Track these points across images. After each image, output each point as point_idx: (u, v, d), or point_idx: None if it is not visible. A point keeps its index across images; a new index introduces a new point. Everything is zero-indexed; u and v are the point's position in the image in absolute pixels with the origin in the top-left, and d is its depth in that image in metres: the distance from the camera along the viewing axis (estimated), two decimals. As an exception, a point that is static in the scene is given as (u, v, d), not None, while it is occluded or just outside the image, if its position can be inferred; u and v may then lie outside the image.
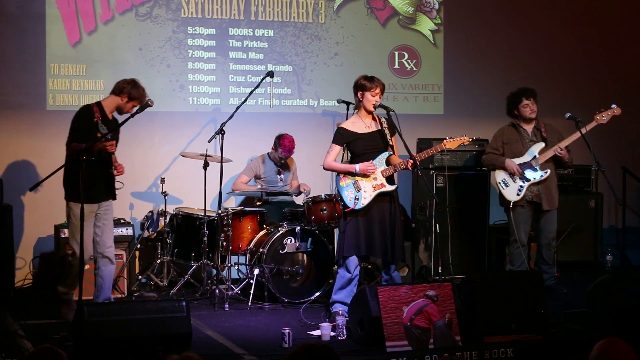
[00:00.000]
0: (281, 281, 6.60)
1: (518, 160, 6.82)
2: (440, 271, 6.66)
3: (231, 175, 7.55)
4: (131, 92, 5.90)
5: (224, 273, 6.66)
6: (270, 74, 7.22)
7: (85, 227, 5.53)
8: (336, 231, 6.75)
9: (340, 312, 5.78)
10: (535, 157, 6.80)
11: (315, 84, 8.12)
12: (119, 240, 6.91)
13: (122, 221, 7.12)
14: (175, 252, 6.94)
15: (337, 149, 5.98)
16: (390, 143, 5.94)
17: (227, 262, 6.70)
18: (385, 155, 5.92)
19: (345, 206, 5.86)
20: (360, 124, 5.97)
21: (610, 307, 5.66)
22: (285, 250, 6.64)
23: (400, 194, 6.22)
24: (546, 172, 6.77)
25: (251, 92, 7.07)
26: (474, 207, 7.70)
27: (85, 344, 4.62)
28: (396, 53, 8.42)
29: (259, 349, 5.17)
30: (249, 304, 6.40)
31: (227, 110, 7.39)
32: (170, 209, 7.06)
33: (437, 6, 8.54)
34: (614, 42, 9.16)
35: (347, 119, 6.46)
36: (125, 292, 6.75)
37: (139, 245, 7.11)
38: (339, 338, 5.37)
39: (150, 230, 6.96)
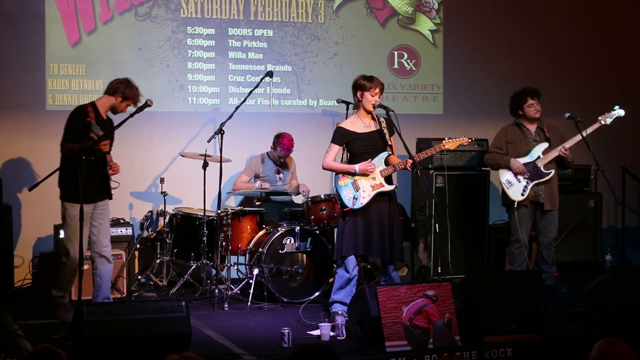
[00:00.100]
0: (280, 281, 6.60)
1: (522, 160, 6.82)
2: (439, 271, 6.65)
3: (230, 175, 7.55)
4: (125, 92, 5.90)
5: (224, 273, 6.66)
6: (270, 74, 7.22)
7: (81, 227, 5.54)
8: (336, 231, 6.74)
9: (340, 312, 5.78)
10: (539, 157, 6.80)
11: (315, 84, 8.12)
12: (118, 240, 6.93)
13: (122, 221, 7.12)
14: (175, 252, 6.94)
15: (336, 148, 5.98)
16: (389, 143, 5.93)
17: (226, 262, 6.70)
18: (384, 155, 5.92)
19: (343, 206, 5.86)
20: (360, 124, 5.96)
21: (610, 307, 5.66)
22: (284, 250, 6.64)
23: (399, 194, 6.22)
24: (550, 173, 6.77)
25: (250, 92, 7.08)
26: (474, 207, 7.70)
27: (85, 344, 4.62)
28: (395, 53, 8.42)
29: (258, 349, 5.17)
30: (249, 303, 6.40)
31: (226, 110, 7.39)
32: (170, 209, 7.06)
33: (436, 6, 8.54)
34: (614, 42, 9.16)
35: (346, 119, 6.45)
36: (125, 292, 6.75)
37: (138, 245, 7.11)
38: (339, 338, 5.37)
39: (149, 230, 6.96)
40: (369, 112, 5.96)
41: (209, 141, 6.67)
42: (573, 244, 8.04)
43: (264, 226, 6.92)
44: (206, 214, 6.70)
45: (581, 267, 8.02)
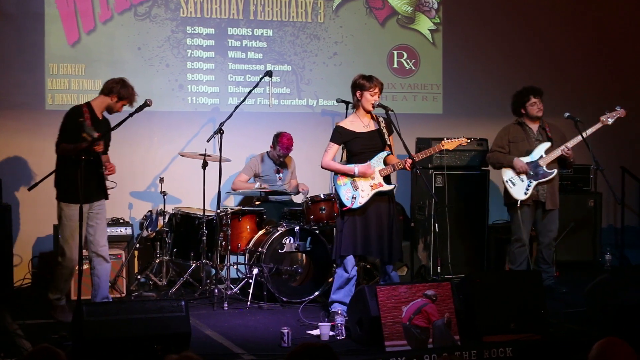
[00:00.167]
0: (280, 281, 6.59)
1: (525, 159, 6.81)
2: (439, 271, 6.65)
3: (230, 174, 7.55)
4: (120, 92, 5.91)
5: (223, 273, 6.66)
6: (269, 74, 7.22)
7: (77, 227, 5.55)
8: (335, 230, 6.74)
9: (339, 312, 5.78)
10: (542, 156, 6.79)
11: (314, 84, 8.12)
12: (118, 240, 6.94)
13: (121, 221, 7.12)
14: (174, 252, 6.94)
15: (335, 147, 5.96)
16: (388, 143, 5.93)
17: (226, 262, 6.70)
18: (383, 154, 5.91)
19: (342, 205, 5.85)
20: (359, 123, 5.96)
21: (609, 306, 5.66)
22: (284, 250, 6.63)
23: (399, 194, 6.23)
24: (553, 172, 6.77)
25: (250, 92, 7.08)
26: (473, 206, 7.70)
27: (85, 344, 4.62)
28: (395, 52, 8.42)
29: (258, 349, 5.17)
30: (248, 303, 6.40)
31: (226, 109, 7.38)
32: (169, 209, 7.06)
33: (436, 6, 8.54)
34: (613, 42, 9.16)
35: (345, 118, 6.45)
36: (124, 291, 6.75)
37: (137, 245, 7.12)
38: (338, 337, 5.37)
39: (149, 229, 6.96)
40: (368, 112, 5.95)
41: (208, 141, 6.67)
42: (573, 243, 8.04)
43: (263, 226, 6.92)
44: (206, 214, 6.70)
45: (581, 267, 8.02)
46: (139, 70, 7.44)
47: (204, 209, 6.67)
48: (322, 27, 8.15)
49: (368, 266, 7.02)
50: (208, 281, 6.81)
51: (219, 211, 6.63)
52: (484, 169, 7.75)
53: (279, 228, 6.67)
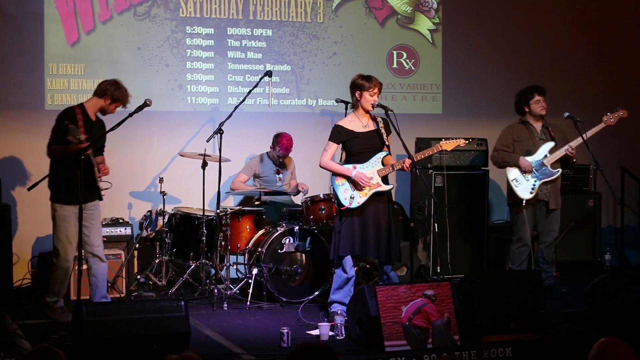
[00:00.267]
0: (280, 281, 6.59)
1: (529, 159, 6.80)
2: (438, 270, 6.65)
3: (230, 174, 7.55)
4: (114, 94, 5.90)
5: (223, 273, 6.66)
6: (269, 74, 7.21)
7: (71, 228, 5.54)
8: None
9: (339, 312, 5.77)
10: (546, 155, 6.78)
11: (314, 84, 8.12)
12: (117, 240, 6.94)
13: (121, 221, 7.12)
14: (174, 252, 6.94)
15: (333, 146, 5.96)
16: (387, 143, 5.93)
17: (225, 262, 6.69)
18: (381, 155, 5.90)
19: (340, 205, 5.84)
20: (358, 123, 5.95)
21: (609, 306, 5.66)
22: (283, 250, 6.63)
23: (398, 194, 6.22)
24: (558, 172, 6.77)
25: (249, 92, 7.08)
26: (473, 206, 7.70)
27: (84, 344, 4.62)
28: (394, 52, 8.41)
29: (257, 349, 5.17)
30: (248, 303, 6.40)
31: (225, 109, 7.38)
32: (169, 209, 7.06)
33: (435, 6, 8.54)
34: (614, 42, 9.16)
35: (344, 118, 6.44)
36: (124, 291, 6.75)
37: (137, 245, 7.11)
38: (338, 337, 5.37)
39: (148, 229, 6.96)
40: (367, 112, 5.95)
41: (208, 141, 6.67)
42: (572, 243, 8.04)
43: (263, 226, 6.91)
44: (205, 214, 6.69)
45: (580, 267, 8.02)
46: (138, 70, 7.44)
47: (203, 209, 6.67)
48: (322, 27, 8.15)
49: (367, 266, 7.02)
50: (208, 281, 6.80)
51: (218, 211, 6.63)
52: (483, 169, 7.75)
53: (278, 228, 6.67)
